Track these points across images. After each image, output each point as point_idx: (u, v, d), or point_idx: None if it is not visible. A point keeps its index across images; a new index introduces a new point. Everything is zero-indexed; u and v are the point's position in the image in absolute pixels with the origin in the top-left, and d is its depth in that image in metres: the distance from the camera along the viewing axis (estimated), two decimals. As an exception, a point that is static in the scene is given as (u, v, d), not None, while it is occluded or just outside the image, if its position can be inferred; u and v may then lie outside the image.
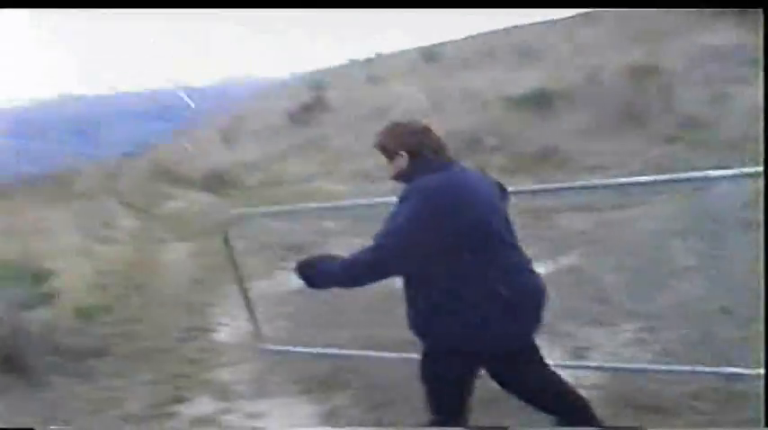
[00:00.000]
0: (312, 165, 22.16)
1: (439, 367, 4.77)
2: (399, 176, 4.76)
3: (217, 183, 23.81)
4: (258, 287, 9.16)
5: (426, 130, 4.80)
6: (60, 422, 7.20)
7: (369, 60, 45.65)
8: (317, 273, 4.60)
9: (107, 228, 16.60)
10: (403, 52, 41.74)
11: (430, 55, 37.23)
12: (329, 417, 6.24)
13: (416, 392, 4.93)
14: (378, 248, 4.40)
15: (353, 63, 47.48)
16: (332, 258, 4.65)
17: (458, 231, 4.38)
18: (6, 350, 8.53)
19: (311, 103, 29.74)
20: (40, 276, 9.52)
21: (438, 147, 4.74)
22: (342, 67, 46.69)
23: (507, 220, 4.84)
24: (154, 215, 19.98)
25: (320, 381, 6.93)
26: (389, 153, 4.78)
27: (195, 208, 20.17)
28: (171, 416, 6.84)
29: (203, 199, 21.55)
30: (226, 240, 7.88)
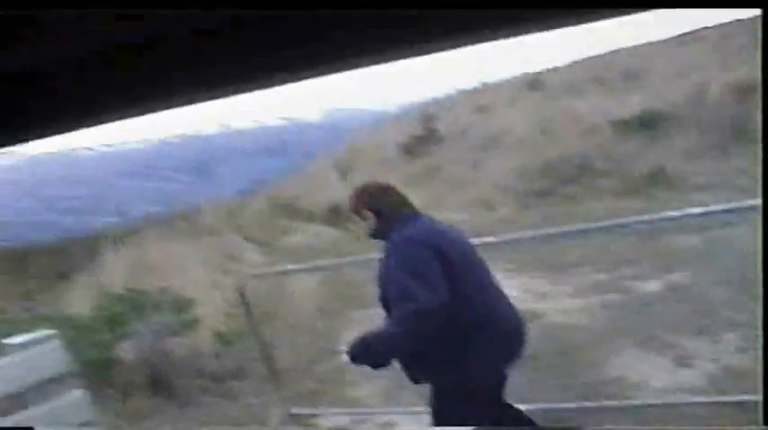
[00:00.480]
0: (427, 196, 22.52)
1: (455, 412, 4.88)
2: (375, 234, 5.02)
3: (336, 216, 23.67)
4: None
5: (389, 189, 5.11)
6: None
7: (475, 89, 45.74)
8: (374, 352, 4.54)
9: (233, 261, 17.12)
10: (508, 81, 41.70)
11: (535, 82, 37.37)
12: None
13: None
14: (422, 303, 4.39)
15: (460, 92, 47.56)
16: (374, 334, 4.59)
17: (449, 267, 4.57)
18: (155, 374, 9.30)
19: (422, 134, 29.88)
20: (180, 305, 10.21)
21: (402, 203, 5.02)
22: (448, 97, 46.80)
23: (481, 260, 5.07)
24: (276, 248, 20.42)
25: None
26: (360, 214, 5.04)
27: (316, 240, 20.57)
28: (310, 427, 7.44)
29: (324, 232, 21.97)
30: (242, 297, 8.23)
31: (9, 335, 6.86)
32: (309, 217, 25.86)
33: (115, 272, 14.53)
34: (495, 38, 1.53)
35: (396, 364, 4.75)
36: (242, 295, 8.23)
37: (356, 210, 5.06)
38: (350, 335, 10.15)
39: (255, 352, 9.87)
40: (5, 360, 5.54)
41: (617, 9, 1.56)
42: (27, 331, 7.18)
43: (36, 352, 5.19)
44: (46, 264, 22.59)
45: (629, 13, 1.62)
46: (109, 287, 12.45)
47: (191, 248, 17.18)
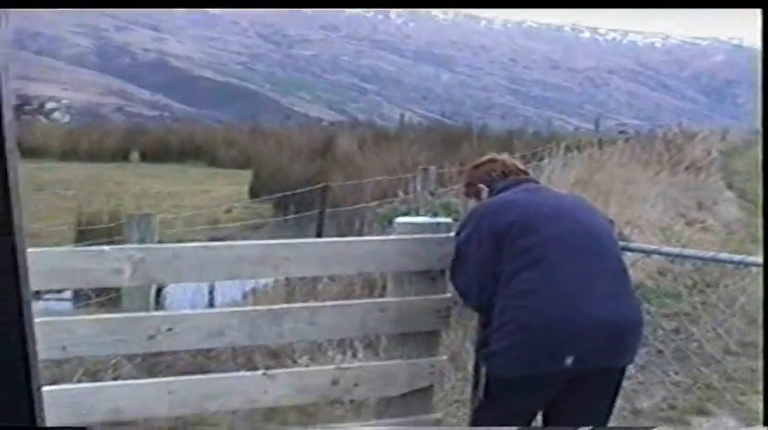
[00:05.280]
0: None
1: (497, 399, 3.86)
2: None
3: None
4: None
5: (491, 161, 4.21)
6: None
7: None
8: None
9: (701, 209, 14.05)
10: None
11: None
12: None
13: None
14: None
15: None
16: None
17: (499, 242, 3.71)
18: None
19: None
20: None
21: (506, 172, 4.10)
22: None
23: (601, 242, 3.80)
24: (759, 205, 16.52)
25: None
26: (475, 192, 4.19)
27: None
28: (684, 423, 5.74)
29: None
30: None
31: (407, 214, 6.26)
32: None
33: (545, 182, 12.22)
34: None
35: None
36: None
37: (471, 188, 4.26)
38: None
39: (672, 321, 7.69)
40: (383, 238, 4.85)
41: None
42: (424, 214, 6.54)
43: (422, 238, 4.38)
44: (477, 152, 20.79)
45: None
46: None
47: (653, 180, 14.31)
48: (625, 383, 5.55)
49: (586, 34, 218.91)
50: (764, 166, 3.04)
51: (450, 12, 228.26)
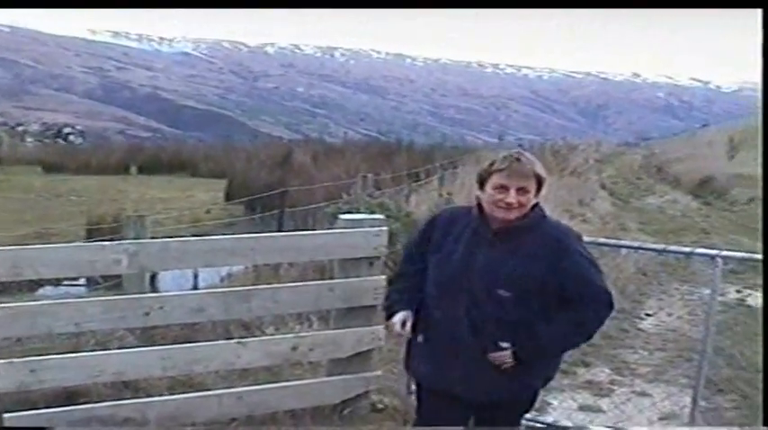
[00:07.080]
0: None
1: None
2: (525, 215, 3.15)
3: (703, 189, 19.03)
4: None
5: None
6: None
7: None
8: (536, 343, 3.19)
9: (581, 205, 14.13)
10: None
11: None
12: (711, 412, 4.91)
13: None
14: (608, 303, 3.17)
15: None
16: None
17: None
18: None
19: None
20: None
21: None
22: None
23: None
24: (628, 204, 16.98)
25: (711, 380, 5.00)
26: (539, 187, 3.19)
27: (669, 207, 16.67)
28: (570, 375, 5.70)
29: (682, 200, 17.78)
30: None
31: (349, 212, 6.19)
32: (675, 183, 20.97)
33: (459, 186, 12.45)
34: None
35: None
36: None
37: (541, 184, 3.17)
38: (656, 304, 8.08)
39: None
40: (330, 231, 4.77)
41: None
42: (363, 212, 6.49)
43: (362, 231, 4.34)
44: (406, 162, 21.49)
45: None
46: (449, 197, 10.84)
47: (551, 184, 14.63)
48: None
49: (489, 69, 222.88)
50: (764, 167, 2.78)
51: (383, 51, 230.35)
